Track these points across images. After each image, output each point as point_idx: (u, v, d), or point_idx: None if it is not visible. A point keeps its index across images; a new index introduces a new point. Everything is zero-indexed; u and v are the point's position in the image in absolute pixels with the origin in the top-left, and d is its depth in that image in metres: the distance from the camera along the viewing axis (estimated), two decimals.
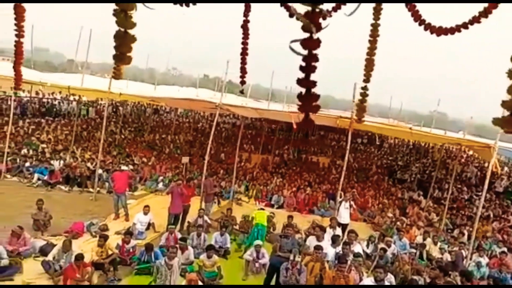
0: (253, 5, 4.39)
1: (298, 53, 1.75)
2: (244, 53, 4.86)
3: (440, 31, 3.42)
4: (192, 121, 28.54)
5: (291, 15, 1.89)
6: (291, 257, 6.32)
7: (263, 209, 10.49)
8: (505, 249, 10.79)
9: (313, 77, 1.86)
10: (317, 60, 1.78)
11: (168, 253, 7.03)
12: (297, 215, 12.48)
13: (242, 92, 6.12)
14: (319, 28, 1.73)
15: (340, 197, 11.30)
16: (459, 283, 7.73)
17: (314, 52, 1.76)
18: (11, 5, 4.53)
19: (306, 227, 11.17)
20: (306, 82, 1.79)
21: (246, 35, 4.55)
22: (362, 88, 3.57)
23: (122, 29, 2.46)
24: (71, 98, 26.77)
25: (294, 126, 11.30)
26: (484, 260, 9.92)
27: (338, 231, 9.23)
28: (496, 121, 1.66)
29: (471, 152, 22.38)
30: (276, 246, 7.41)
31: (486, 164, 19.65)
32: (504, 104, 1.62)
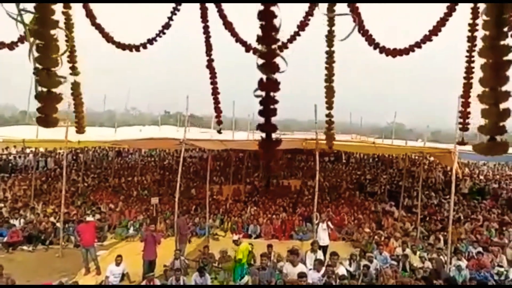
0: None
1: (258, 96, 1.65)
2: (215, 92, 4.75)
3: (395, 52, 3.53)
4: (157, 159, 27.89)
5: (247, 50, 1.83)
6: None
7: (238, 240, 10.11)
8: (481, 249, 11.07)
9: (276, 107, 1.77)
10: (276, 102, 1.67)
11: None
12: (276, 243, 12.22)
13: (219, 132, 5.98)
14: (275, 69, 1.65)
15: (316, 218, 11.26)
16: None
17: (273, 94, 1.67)
18: None
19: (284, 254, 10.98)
20: (267, 127, 1.68)
21: (213, 74, 4.48)
22: (327, 115, 3.57)
23: (45, 89, 2.22)
24: (27, 150, 25.48)
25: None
26: (463, 263, 10.09)
27: (320, 254, 9.12)
28: (476, 148, 1.66)
29: (432, 158, 23.24)
30: (255, 280, 7.17)
31: (448, 168, 20.47)
32: (481, 129, 1.61)
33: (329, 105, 3.47)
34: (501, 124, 1.55)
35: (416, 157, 22.64)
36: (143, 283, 8.46)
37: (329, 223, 11.36)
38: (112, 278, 9.16)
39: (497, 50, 1.52)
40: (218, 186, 20.24)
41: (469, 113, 3.32)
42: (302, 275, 6.61)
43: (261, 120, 1.88)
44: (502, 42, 1.52)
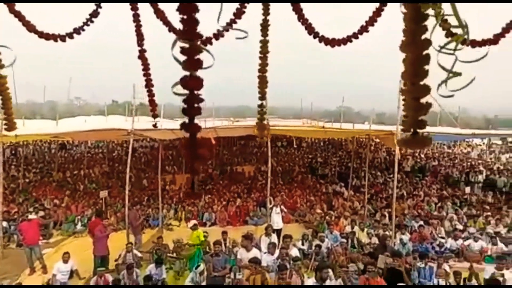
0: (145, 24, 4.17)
1: (181, 94, 1.55)
2: (149, 84, 4.52)
3: (333, 42, 3.60)
4: (106, 151, 26.74)
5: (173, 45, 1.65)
6: (232, 276, 6.14)
7: (196, 226, 10.01)
8: (422, 223, 11.89)
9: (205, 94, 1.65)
10: (201, 100, 1.56)
11: None
12: (231, 229, 12.30)
13: (155, 126, 5.75)
14: (198, 65, 1.53)
15: (270, 203, 11.46)
16: (390, 262, 8.27)
17: (197, 92, 1.54)
18: None
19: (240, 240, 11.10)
20: (191, 127, 1.57)
21: (146, 65, 4.26)
22: (259, 106, 3.50)
23: None
24: None
25: (213, 142, 11.17)
26: (406, 237, 10.82)
27: (274, 237, 9.30)
28: (399, 142, 1.71)
29: (378, 140, 24.42)
30: (209, 268, 7.18)
31: (392, 149, 21.60)
32: (403, 123, 1.66)
33: (262, 95, 3.40)
34: (421, 118, 1.61)
35: (363, 139, 23.67)
36: (94, 278, 8.15)
37: (283, 206, 11.61)
38: (59, 276, 8.72)
39: (416, 44, 1.56)
40: (171, 175, 19.88)
41: None
42: (254, 260, 6.69)
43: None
44: (421, 37, 1.56)
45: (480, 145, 32.26)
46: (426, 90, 1.56)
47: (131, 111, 14.01)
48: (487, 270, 7.75)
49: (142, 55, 4.16)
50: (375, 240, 10.60)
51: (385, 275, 6.94)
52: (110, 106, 27.77)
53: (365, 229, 11.30)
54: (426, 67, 1.56)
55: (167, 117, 22.71)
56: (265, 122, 3.88)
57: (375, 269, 6.71)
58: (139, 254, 10.02)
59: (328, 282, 6.07)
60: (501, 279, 6.92)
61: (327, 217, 12.76)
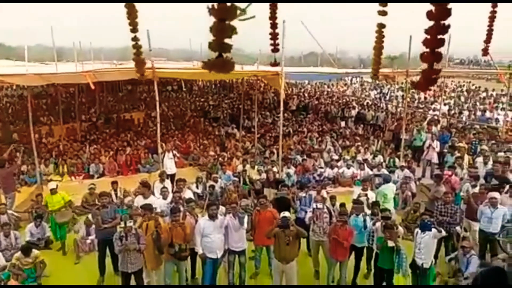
0: None
1: None
2: None
3: None
4: None
5: None
6: (122, 224, 5.96)
7: (54, 189, 8.38)
8: (305, 156, 13.04)
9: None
10: None
11: None
12: (122, 179, 11.80)
13: None
14: None
15: (162, 148, 11.21)
16: (277, 190, 9.03)
17: None
18: None
19: (134, 188, 10.79)
20: None
21: None
22: (133, 39, 3.18)
23: None
24: None
25: (92, 87, 10.16)
26: (292, 170, 11.83)
27: (167, 182, 9.25)
28: (204, 65, 1.70)
29: (266, 81, 25.29)
30: (98, 221, 6.89)
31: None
32: (210, 45, 1.63)
33: (133, 27, 3.05)
34: (225, 41, 1.62)
35: (252, 81, 24.23)
36: None
37: (175, 152, 11.49)
38: None
39: None
40: (47, 126, 17.82)
41: (277, 34, 3.50)
42: (145, 206, 6.59)
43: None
44: None
45: (355, 83, 35.94)
46: (231, 10, 1.54)
47: None
48: (355, 192, 9.01)
49: None
50: (264, 175, 11.32)
51: (274, 204, 7.56)
52: None
53: (256, 167, 11.97)
54: None
55: (37, 60, 19.71)
56: (143, 57, 3.54)
57: (266, 201, 7.22)
58: (16, 215, 9.08)
59: (219, 218, 6.36)
60: (364, 198, 8.12)
61: (220, 159, 13.10)
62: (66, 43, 19.70)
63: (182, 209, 6.80)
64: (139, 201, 7.63)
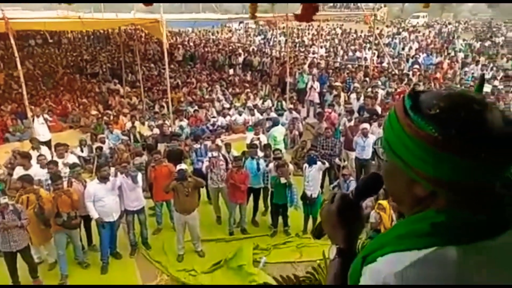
0: None
1: None
2: None
3: None
4: None
5: None
6: (1, 201, 5.20)
7: None
8: (196, 107, 12.85)
9: None
10: None
11: None
12: None
13: None
14: None
15: (32, 113, 9.81)
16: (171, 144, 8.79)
17: None
18: None
19: (5, 160, 9.39)
20: None
21: None
22: None
23: None
24: None
25: None
26: (185, 122, 11.62)
27: (43, 150, 8.25)
28: None
29: (147, 31, 23.53)
30: None
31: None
32: None
33: None
34: None
35: (131, 30, 22.28)
36: None
37: (46, 115, 10.19)
38: None
39: None
40: None
41: None
42: (23, 177, 5.84)
43: None
44: None
45: (239, 29, 35.86)
46: None
47: None
48: (248, 137, 9.31)
49: None
50: (156, 131, 10.88)
51: (166, 157, 7.40)
52: None
53: (146, 123, 11.40)
54: None
55: None
56: None
57: (160, 156, 7.01)
58: None
59: (111, 179, 6.00)
60: (257, 142, 8.46)
61: (104, 118, 12.06)
62: None
63: (65, 175, 6.21)
64: (19, 172, 6.75)
